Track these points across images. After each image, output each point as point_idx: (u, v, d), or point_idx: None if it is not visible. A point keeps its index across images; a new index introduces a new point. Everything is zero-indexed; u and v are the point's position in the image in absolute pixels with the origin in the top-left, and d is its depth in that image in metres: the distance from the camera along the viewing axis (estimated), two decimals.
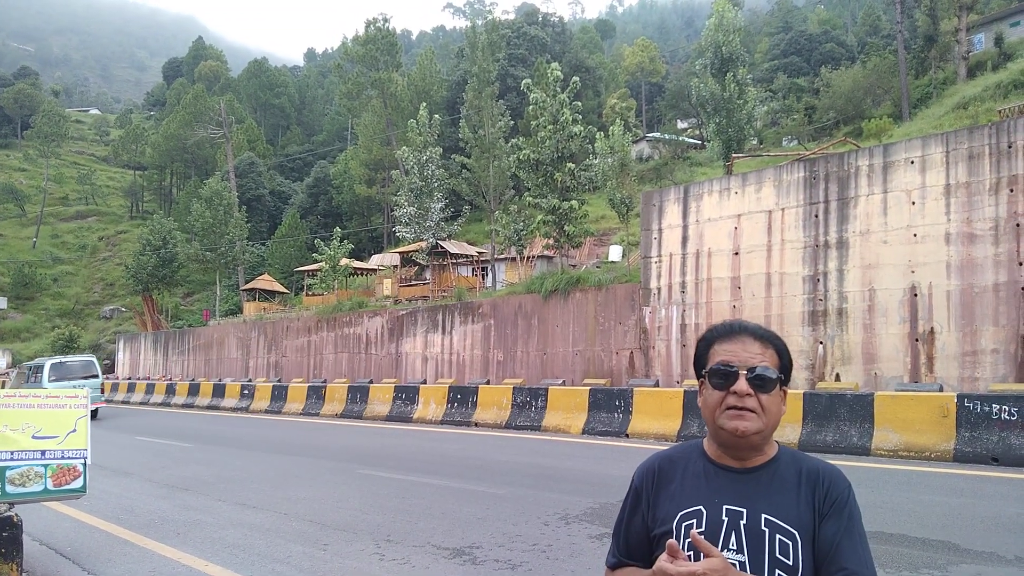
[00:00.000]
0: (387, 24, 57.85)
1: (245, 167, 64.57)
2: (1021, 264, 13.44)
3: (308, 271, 42.52)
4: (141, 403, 31.08)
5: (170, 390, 30.26)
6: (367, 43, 56.21)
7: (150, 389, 31.83)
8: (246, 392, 25.73)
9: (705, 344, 1.82)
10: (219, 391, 27.18)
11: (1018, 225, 13.52)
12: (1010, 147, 13.75)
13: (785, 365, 1.78)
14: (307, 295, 41.34)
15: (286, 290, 47.41)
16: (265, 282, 45.22)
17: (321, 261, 36.28)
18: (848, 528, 1.71)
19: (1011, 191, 13.65)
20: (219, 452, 14.22)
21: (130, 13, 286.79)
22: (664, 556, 1.59)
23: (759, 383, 1.71)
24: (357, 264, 42.94)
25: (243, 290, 46.93)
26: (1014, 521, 6.94)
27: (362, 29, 58.64)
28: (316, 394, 22.66)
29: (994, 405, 10.44)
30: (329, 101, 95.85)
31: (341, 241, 36.45)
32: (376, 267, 43.60)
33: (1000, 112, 23.29)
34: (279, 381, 28.52)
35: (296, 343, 32.32)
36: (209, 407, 26.71)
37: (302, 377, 30.20)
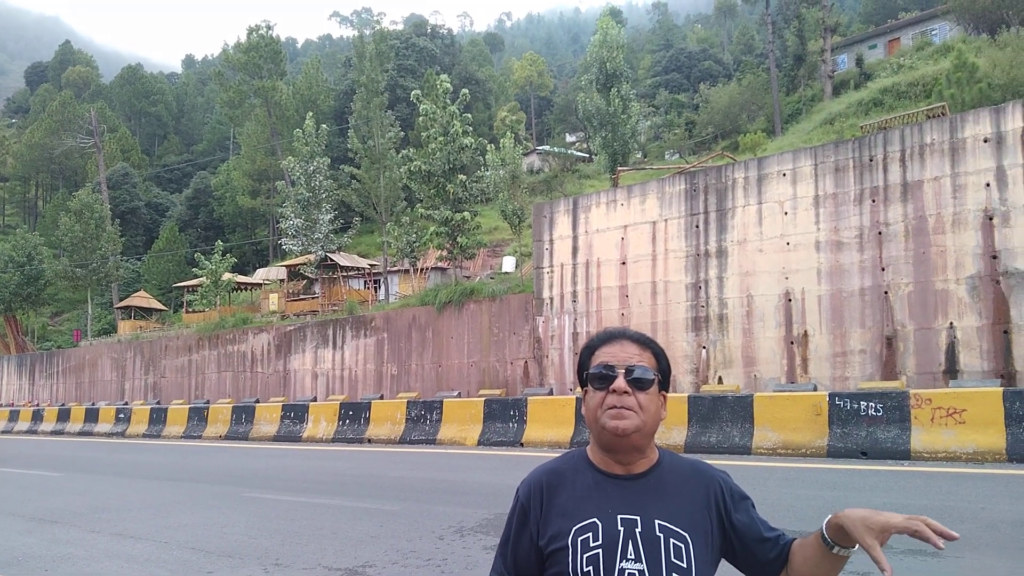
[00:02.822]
0: (270, 31, 56.41)
1: (118, 178, 61.23)
2: (883, 270, 14.42)
3: (188, 287, 40.73)
4: (4, 432, 28.81)
5: (37, 417, 28.23)
6: (250, 50, 54.56)
7: (14, 416, 29.58)
8: (122, 416, 24.32)
9: (588, 352, 1.87)
10: (92, 416, 25.57)
11: (880, 233, 14.52)
12: (871, 160, 14.76)
13: (663, 368, 1.84)
14: (187, 312, 39.60)
15: (164, 307, 45.24)
16: (141, 299, 43.00)
17: (202, 276, 34.80)
18: (752, 508, 1.84)
19: (873, 201, 14.65)
20: (92, 480, 13.34)
21: None
22: None
23: (637, 383, 1.76)
24: (241, 279, 41.49)
25: (117, 308, 44.42)
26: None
27: (244, 36, 56.88)
28: (198, 416, 21.66)
29: (862, 402, 11.12)
30: (209, 110, 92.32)
31: (223, 255, 35.09)
32: (261, 281, 42.27)
33: (862, 128, 25.00)
34: (158, 403, 27.08)
35: (176, 363, 30.81)
36: (81, 433, 25.08)
37: (183, 399, 28.79)
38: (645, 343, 1.84)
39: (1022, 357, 12.97)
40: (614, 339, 1.84)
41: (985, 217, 13.49)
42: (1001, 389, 10.51)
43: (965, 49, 28.24)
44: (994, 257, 13.35)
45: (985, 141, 13.60)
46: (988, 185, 13.49)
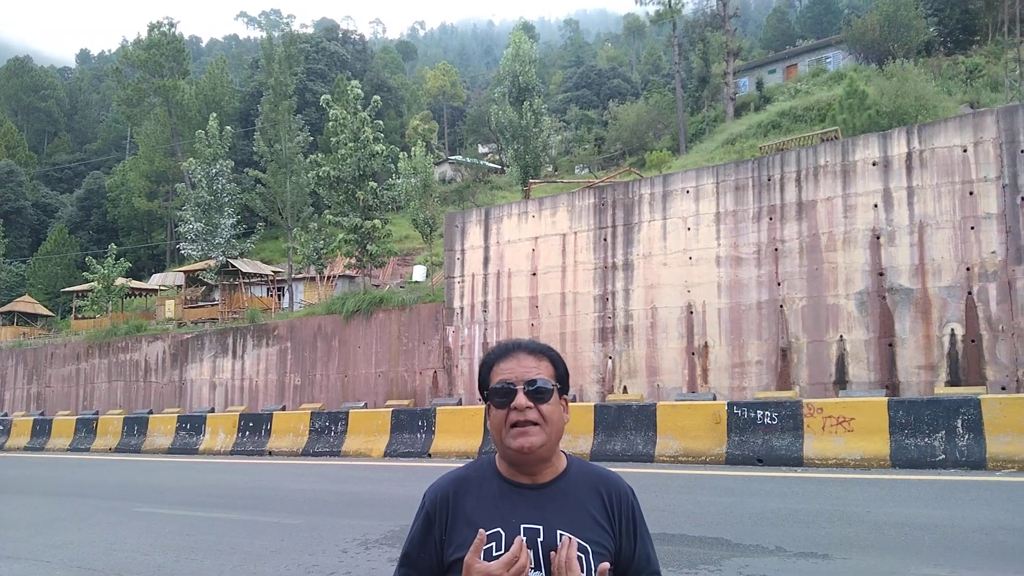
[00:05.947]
0: (173, 29, 54.44)
1: (3, 176, 57.65)
2: (779, 284, 15.06)
3: (78, 292, 38.61)
4: None
5: None
6: (150, 47, 52.44)
7: None
8: (0, 428, 22.77)
9: (486, 367, 1.88)
10: None
11: (776, 249, 15.16)
12: (769, 180, 15.42)
13: (561, 374, 1.87)
14: (76, 318, 37.53)
15: (51, 313, 42.74)
16: (26, 304, 40.51)
17: (93, 281, 33.05)
18: (642, 532, 1.87)
19: (771, 219, 15.30)
20: None
21: None
22: (471, 555, 1.65)
23: (537, 395, 1.78)
24: (135, 284, 39.62)
25: None
26: (775, 515, 7.69)
27: (144, 32, 54.62)
28: (86, 427, 20.51)
29: (758, 411, 11.55)
30: (105, 107, 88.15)
31: (117, 259, 33.44)
32: (157, 287, 40.57)
33: (761, 149, 26.08)
34: (42, 414, 25.50)
35: (63, 372, 29.12)
36: None
37: (70, 409, 27.21)
38: (541, 352, 1.86)
39: (905, 369, 13.78)
40: (510, 353, 1.85)
41: (873, 236, 14.29)
42: (886, 399, 11.13)
43: (856, 77, 29.98)
44: (881, 274, 14.16)
45: (874, 164, 14.43)
46: (876, 206, 14.31)
